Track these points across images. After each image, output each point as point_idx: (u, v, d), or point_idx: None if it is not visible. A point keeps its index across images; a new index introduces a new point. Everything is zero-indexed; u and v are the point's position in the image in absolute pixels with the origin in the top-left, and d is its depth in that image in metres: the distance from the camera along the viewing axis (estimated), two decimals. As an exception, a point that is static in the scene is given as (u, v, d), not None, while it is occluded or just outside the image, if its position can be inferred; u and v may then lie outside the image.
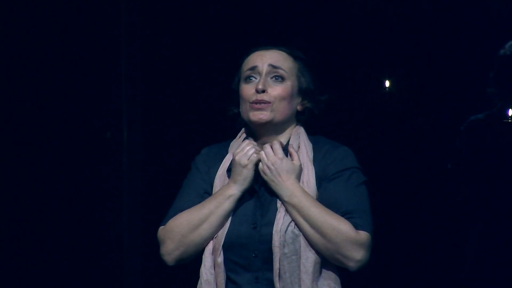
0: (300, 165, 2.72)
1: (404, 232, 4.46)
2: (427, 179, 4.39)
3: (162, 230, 2.76)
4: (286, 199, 2.67)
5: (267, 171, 2.71)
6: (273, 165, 2.70)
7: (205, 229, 2.71)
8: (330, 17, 4.48)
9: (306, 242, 2.66)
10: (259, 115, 2.76)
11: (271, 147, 2.74)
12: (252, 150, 2.73)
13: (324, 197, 2.70)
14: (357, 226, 2.64)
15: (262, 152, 2.74)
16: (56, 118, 4.19)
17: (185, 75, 4.41)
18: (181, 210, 2.75)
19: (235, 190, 2.71)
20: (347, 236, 2.62)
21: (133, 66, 4.24)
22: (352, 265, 2.63)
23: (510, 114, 3.91)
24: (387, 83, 4.51)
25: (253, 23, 4.39)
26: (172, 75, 4.41)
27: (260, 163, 2.73)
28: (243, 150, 2.74)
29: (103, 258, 4.24)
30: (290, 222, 2.67)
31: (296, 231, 2.66)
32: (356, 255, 2.63)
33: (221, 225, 2.71)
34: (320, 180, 2.73)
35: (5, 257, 4.12)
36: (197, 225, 2.71)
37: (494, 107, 3.97)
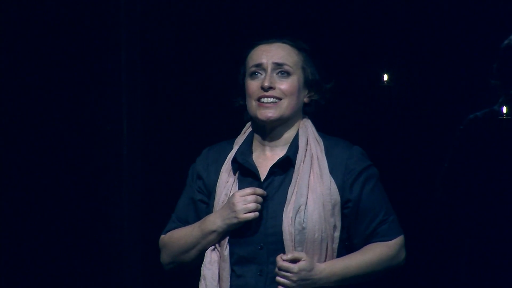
0: (307, 257, 2.67)
1: (402, 227, 4.47)
2: (425, 174, 4.40)
3: (161, 241, 2.87)
4: (329, 284, 2.70)
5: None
6: (297, 281, 2.66)
7: (194, 253, 2.79)
8: (329, 11, 4.48)
9: (313, 236, 2.69)
10: (267, 114, 2.76)
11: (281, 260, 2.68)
12: (253, 205, 2.68)
13: (362, 208, 2.76)
14: (391, 238, 2.77)
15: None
16: (56, 111, 4.19)
17: (186, 67, 4.41)
18: (178, 220, 2.85)
19: (219, 228, 2.73)
20: (389, 257, 2.77)
21: (133, 58, 4.23)
22: (401, 266, 2.82)
23: (504, 111, 3.90)
24: (385, 77, 4.51)
25: (254, 15, 4.39)
26: (172, 68, 4.40)
27: (277, 269, 2.67)
28: (245, 199, 2.70)
29: (102, 251, 4.25)
30: (297, 214, 2.68)
31: (304, 224, 2.69)
32: (400, 258, 2.80)
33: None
34: (338, 172, 2.75)
35: (3, 252, 4.11)
36: (186, 249, 2.79)
37: (496, 100, 3.95)
